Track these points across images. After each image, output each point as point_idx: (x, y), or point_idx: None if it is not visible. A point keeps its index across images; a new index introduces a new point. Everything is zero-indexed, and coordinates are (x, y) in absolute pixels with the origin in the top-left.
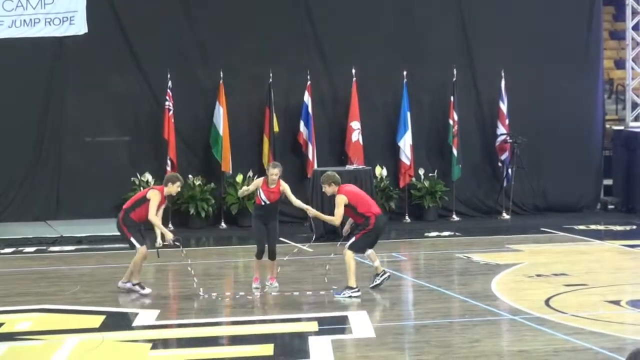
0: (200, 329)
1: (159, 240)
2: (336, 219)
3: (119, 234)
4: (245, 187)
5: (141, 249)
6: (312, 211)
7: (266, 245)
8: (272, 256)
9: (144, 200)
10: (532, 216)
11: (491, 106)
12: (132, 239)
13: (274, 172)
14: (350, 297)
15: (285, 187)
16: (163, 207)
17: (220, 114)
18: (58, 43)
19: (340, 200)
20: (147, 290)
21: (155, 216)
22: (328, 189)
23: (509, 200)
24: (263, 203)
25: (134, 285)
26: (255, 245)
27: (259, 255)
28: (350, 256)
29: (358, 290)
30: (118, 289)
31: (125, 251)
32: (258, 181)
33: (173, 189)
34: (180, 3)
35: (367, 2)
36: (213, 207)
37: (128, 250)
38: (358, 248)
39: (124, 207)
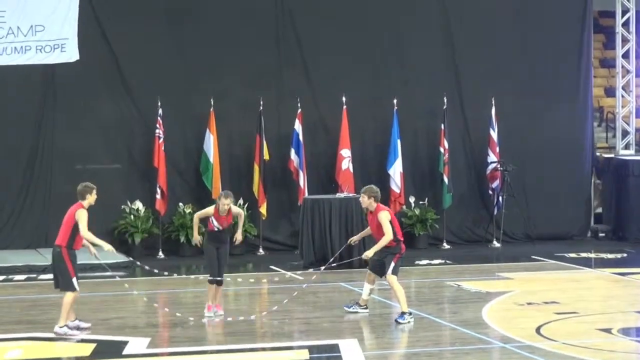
0: (191, 357)
1: (94, 251)
2: (388, 236)
3: (52, 267)
4: (196, 216)
5: (77, 293)
6: (368, 253)
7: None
8: (219, 282)
9: (77, 226)
10: (523, 244)
11: (481, 134)
12: (74, 279)
13: (226, 202)
14: (409, 322)
15: (239, 213)
16: None
17: (210, 142)
18: (49, 70)
19: (386, 217)
20: (87, 324)
21: (88, 232)
22: (366, 201)
23: (500, 228)
24: (216, 229)
25: (70, 327)
26: (210, 272)
27: (213, 282)
28: (395, 281)
29: (410, 314)
30: (62, 334)
31: (116, 279)
32: (209, 210)
33: (92, 198)
34: (171, 31)
35: (357, 30)
36: (203, 235)
37: (120, 278)
38: (398, 271)
39: (61, 243)
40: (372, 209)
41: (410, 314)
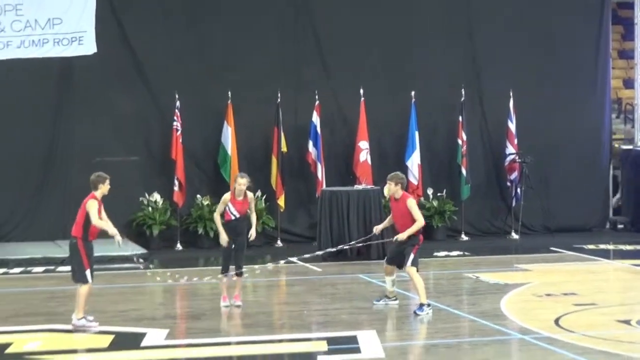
0: (209, 349)
1: (118, 239)
2: (420, 222)
3: (69, 257)
4: (216, 214)
5: (90, 285)
6: (402, 236)
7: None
8: (238, 274)
9: (89, 216)
10: (541, 236)
11: (499, 126)
12: (87, 272)
13: (242, 182)
14: (428, 313)
15: (251, 199)
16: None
17: (228, 134)
18: (67, 63)
19: (414, 203)
20: (91, 317)
21: (99, 220)
22: (393, 188)
23: (518, 220)
24: (233, 217)
25: (87, 320)
26: (222, 263)
27: (224, 271)
28: (415, 273)
29: (429, 305)
30: (76, 326)
31: (133, 271)
32: (225, 196)
33: (105, 188)
34: (189, 23)
35: (375, 22)
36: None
37: (137, 270)
38: (418, 262)
39: (77, 235)
40: (398, 197)
41: (429, 305)
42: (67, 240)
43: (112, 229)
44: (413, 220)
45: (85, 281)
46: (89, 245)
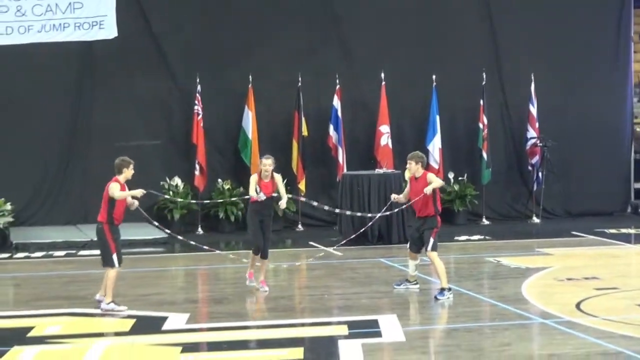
0: (230, 333)
1: (135, 203)
2: (439, 182)
3: (98, 241)
4: (252, 192)
5: (118, 269)
6: (428, 189)
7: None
8: (264, 255)
9: (114, 200)
10: (562, 220)
11: (520, 110)
12: (114, 256)
13: (267, 163)
14: (448, 298)
15: (278, 179)
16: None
17: (249, 118)
18: (88, 48)
19: (433, 177)
20: (124, 307)
21: (120, 192)
22: (414, 167)
23: (539, 204)
24: (259, 200)
25: (116, 304)
26: (253, 241)
27: (257, 251)
28: (436, 257)
29: (450, 289)
30: (105, 308)
31: (155, 255)
32: (253, 178)
33: (129, 173)
34: (210, 7)
35: (396, 6)
36: (242, 211)
37: (159, 254)
38: (437, 246)
39: (102, 219)
40: (419, 175)
41: (450, 290)
42: (89, 225)
43: (135, 192)
44: (432, 199)
45: (112, 265)
46: (115, 229)
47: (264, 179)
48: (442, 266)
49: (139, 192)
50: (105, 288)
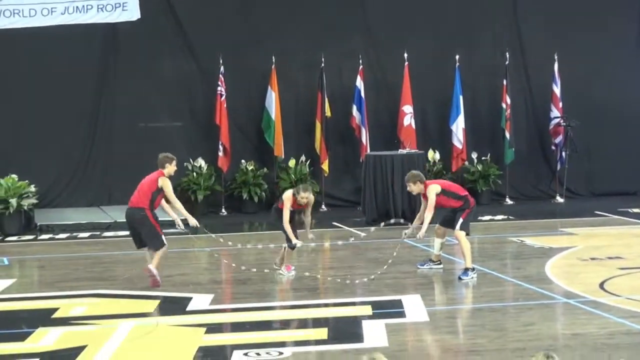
0: (254, 313)
1: (179, 222)
2: (430, 208)
3: (141, 229)
4: (285, 222)
5: (166, 248)
6: (421, 234)
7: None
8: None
9: (160, 191)
10: (586, 199)
11: (543, 90)
12: (162, 236)
13: (304, 195)
14: (472, 278)
15: (310, 202)
16: None
17: (272, 99)
18: (110, 29)
19: (433, 189)
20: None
21: (178, 201)
22: (414, 188)
23: (562, 184)
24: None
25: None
26: (291, 243)
27: (293, 248)
28: (463, 237)
29: (474, 269)
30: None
31: (179, 236)
32: (287, 201)
33: (172, 169)
34: None
35: None
36: (266, 191)
37: (182, 235)
38: (467, 227)
39: (144, 206)
40: (424, 191)
41: (473, 270)
42: (112, 206)
43: (191, 218)
44: (453, 200)
45: (162, 245)
46: (155, 213)
47: (298, 204)
48: (468, 246)
49: (193, 222)
50: (156, 263)
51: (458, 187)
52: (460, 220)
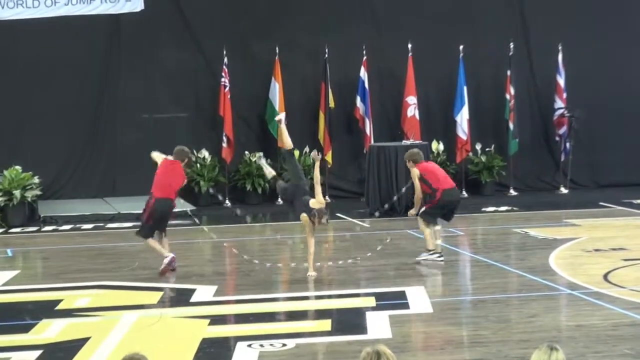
0: (258, 305)
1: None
2: (417, 192)
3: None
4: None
5: None
6: (411, 212)
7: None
8: None
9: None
10: (590, 190)
11: (547, 80)
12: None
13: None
14: (426, 259)
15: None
16: None
17: (276, 90)
18: (114, 20)
19: (414, 174)
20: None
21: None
22: (409, 166)
23: (566, 175)
24: None
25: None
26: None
27: None
28: (421, 222)
29: (435, 254)
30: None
31: (182, 227)
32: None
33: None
34: None
35: None
36: (269, 183)
37: (185, 226)
38: (426, 217)
39: (173, 196)
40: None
41: (433, 252)
42: (116, 197)
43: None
44: (426, 188)
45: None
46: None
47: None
48: (426, 231)
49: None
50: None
51: (440, 177)
52: (423, 208)
